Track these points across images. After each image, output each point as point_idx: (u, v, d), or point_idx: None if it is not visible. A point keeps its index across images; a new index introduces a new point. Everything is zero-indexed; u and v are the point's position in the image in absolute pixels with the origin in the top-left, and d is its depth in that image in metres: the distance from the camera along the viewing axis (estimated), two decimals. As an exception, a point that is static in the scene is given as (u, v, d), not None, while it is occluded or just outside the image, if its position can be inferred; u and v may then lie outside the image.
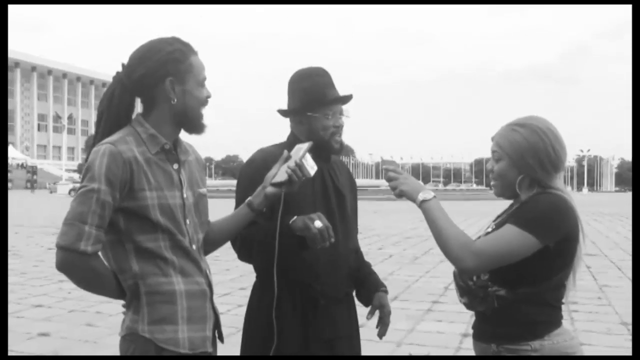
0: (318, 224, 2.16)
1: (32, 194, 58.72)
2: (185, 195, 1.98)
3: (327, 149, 2.49)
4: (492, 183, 2.14)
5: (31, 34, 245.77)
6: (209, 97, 2.03)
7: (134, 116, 2.01)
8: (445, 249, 1.96)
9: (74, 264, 1.83)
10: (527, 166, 2.03)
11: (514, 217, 1.98)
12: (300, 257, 2.38)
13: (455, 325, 6.32)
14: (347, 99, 2.50)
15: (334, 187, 2.52)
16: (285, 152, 2.20)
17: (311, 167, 2.16)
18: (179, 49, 1.96)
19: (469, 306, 2.11)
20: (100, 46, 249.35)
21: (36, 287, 8.41)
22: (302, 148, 2.17)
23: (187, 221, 1.98)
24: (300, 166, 2.12)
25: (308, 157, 2.17)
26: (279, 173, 2.15)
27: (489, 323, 2.06)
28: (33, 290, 8.20)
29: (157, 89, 1.94)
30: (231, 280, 8.92)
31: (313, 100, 2.44)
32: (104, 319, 6.43)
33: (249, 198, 2.16)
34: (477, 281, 2.03)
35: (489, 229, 2.11)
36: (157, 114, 1.97)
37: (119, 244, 1.90)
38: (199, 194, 2.07)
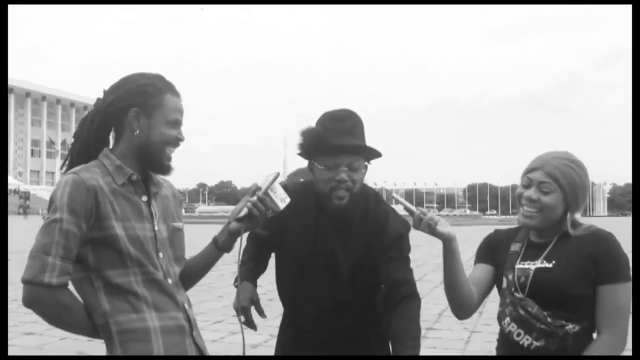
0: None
1: (25, 220, 58.38)
2: (157, 228, 1.92)
3: (327, 204, 2.21)
4: (528, 211, 1.99)
5: (26, 61, 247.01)
6: (179, 139, 1.95)
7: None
8: None
9: (39, 297, 1.74)
10: (575, 203, 1.99)
11: (613, 275, 1.94)
12: (291, 308, 2.42)
13: (450, 352, 6.29)
14: (348, 148, 2.14)
15: (323, 243, 2.26)
16: (255, 182, 1.98)
17: (281, 199, 1.94)
18: (154, 84, 1.92)
19: (542, 349, 1.93)
20: (94, 73, 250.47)
21: (28, 314, 8.31)
22: (268, 179, 1.95)
23: (160, 254, 1.91)
24: (262, 200, 1.92)
25: (278, 188, 1.96)
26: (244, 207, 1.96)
27: None
28: (25, 317, 8.11)
29: (124, 119, 1.91)
30: (224, 307, 8.85)
31: (311, 146, 2.18)
32: (95, 347, 6.35)
33: (215, 235, 2.05)
34: (553, 322, 1.92)
35: (528, 265, 2.02)
36: (123, 145, 1.93)
37: (88, 282, 1.83)
38: (173, 227, 2.01)
